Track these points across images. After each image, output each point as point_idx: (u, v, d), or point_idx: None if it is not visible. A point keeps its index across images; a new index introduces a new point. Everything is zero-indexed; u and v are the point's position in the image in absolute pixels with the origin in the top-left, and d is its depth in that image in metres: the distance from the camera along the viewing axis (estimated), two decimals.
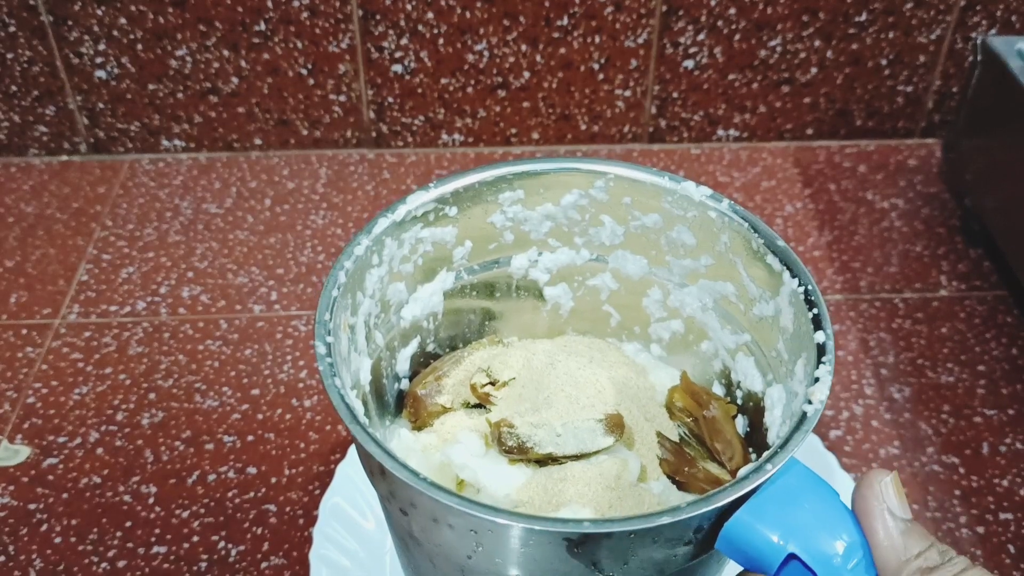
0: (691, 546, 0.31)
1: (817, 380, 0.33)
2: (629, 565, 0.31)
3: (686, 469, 0.39)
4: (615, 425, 0.38)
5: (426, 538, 0.33)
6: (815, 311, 0.35)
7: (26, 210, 0.70)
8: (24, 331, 0.61)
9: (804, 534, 0.30)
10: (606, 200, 0.41)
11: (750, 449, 0.40)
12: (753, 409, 0.40)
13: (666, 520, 0.29)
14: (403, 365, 0.43)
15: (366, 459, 0.33)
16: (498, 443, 0.38)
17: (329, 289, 0.36)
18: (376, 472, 0.32)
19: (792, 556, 0.30)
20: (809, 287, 0.36)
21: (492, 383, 0.41)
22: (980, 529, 0.50)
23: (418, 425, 0.42)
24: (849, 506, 0.31)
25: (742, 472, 0.31)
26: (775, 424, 0.37)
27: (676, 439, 0.40)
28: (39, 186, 0.72)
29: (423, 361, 0.44)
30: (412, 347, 0.43)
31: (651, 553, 0.31)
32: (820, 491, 0.31)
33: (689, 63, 0.71)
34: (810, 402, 0.32)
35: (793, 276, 0.37)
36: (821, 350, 0.34)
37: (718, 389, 0.43)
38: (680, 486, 0.39)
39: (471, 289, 0.43)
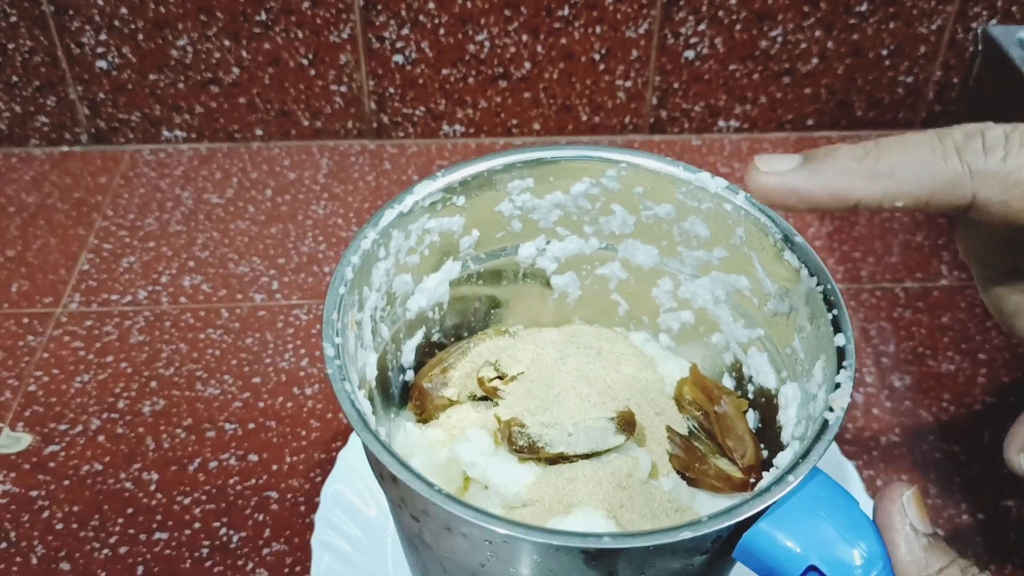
0: (708, 555, 0.31)
1: (838, 386, 0.32)
2: (645, 574, 0.31)
3: (696, 465, 0.38)
4: (627, 423, 0.37)
5: (438, 544, 0.32)
6: (835, 312, 0.34)
7: (27, 200, 0.70)
8: (25, 320, 0.61)
9: (824, 545, 0.29)
10: (618, 189, 0.41)
11: (762, 446, 0.39)
12: (765, 404, 0.40)
13: (686, 535, 0.28)
14: (408, 356, 0.42)
15: (376, 465, 0.33)
16: (508, 442, 0.37)
17: (336, 287, 0.35)
18: (387, 479, 0.32)
19: (811, 567, 0.29)
20: (828, 287, 0.35)
21: (500, 377, 0.40)
22: (981, 516, 0.50)
23: (424, 418, 0.41)
24: (870, 516, 0.31)
25: (763, 483, 0.30)
26: (790, 423, 0.36)
27: (685, 432, 0.40)
28: (40, 176, 0.72)
29: (428, 351, 0.43)
30: (417, 338, 0.42)
31: (668, 563, 0.30)
32: (840, 501, 0.31)
33: (690, 53, 0.71)
34: (831, 409, 0.32)
35: (812, 275, 0.36)
36: (841, 354, 0.33)
37: (728, 382, 0.43)
38: (691, 482, 0.39)
39: (477, 278, 0.43)
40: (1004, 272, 0.35)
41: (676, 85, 0.72)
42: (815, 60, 0.71)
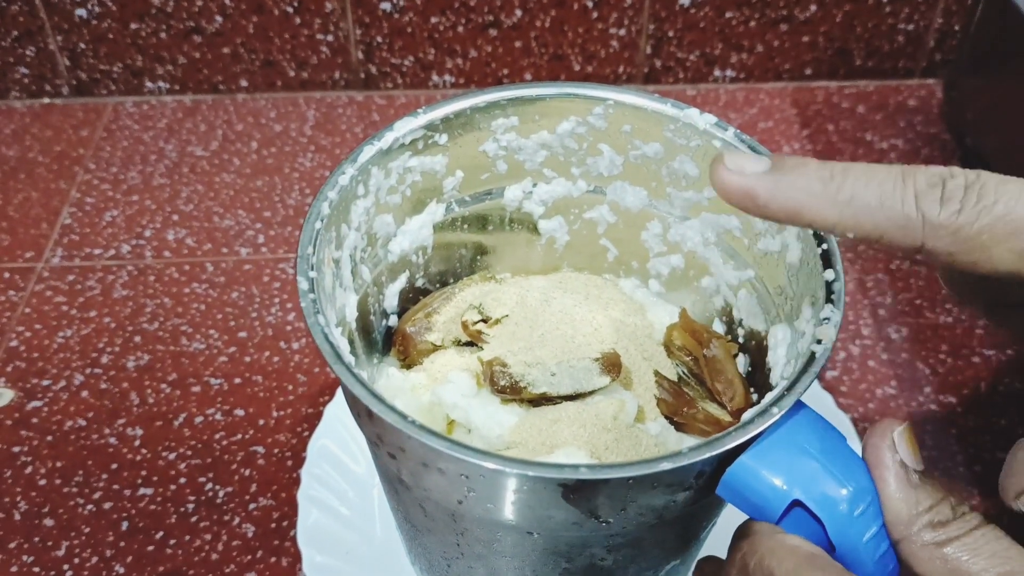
0: (691, 491, 0.30)
1: (826, 320, 0.31)
2: (627, 511, 0.30)
3: (685, 410, 0.38)
4: (612, 364, 0.37)
5: (415, 483, 0.32)
6: (825, 247, 0.33)
7: (7, 154, 0.68)
8: (6, 275, 0.60)
9: (809, 480, 0.29)
10: (605, 128, 0.39)
11: (751, 389, 0.39)
12: (755, 348, 0.39)
13: (666, 466, 0.27)
14: (391, 301, 0.41)
15: (352, 401, 0.32)
16: (490, 382, 0.36)
17: (312, 221, 0.34)
18: (363, 415, 0.31)
19: (796, 503, 0.29)
20: None
21: (484, 320, 0.40)
22: (977, 468, 0.50)
23: (407, 363, 0.41)
24: (859, 453, 0.30)
25: (747, 416, 0.29)
26: (779, 364, 0.36)
27: (675, 378, 0.39)
28: (21, 129, 0.70)
29: (412, 297, 0.42)
30: (400, 282, 0.42)
31: (650, 499, 0.30)
32: (827, 435, 0.30)
33: (685, 0, 0.69)
34: (819, 342, 0.31)
35: None
36: (830, 289, 0.32)
37: (719, 327, 0.42)
38: (678, 427, 0.38)
39: (462, 222, 0.42)
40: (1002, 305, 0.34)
41: (671, 33, 0.71)
42: (813, 7, 0.70)
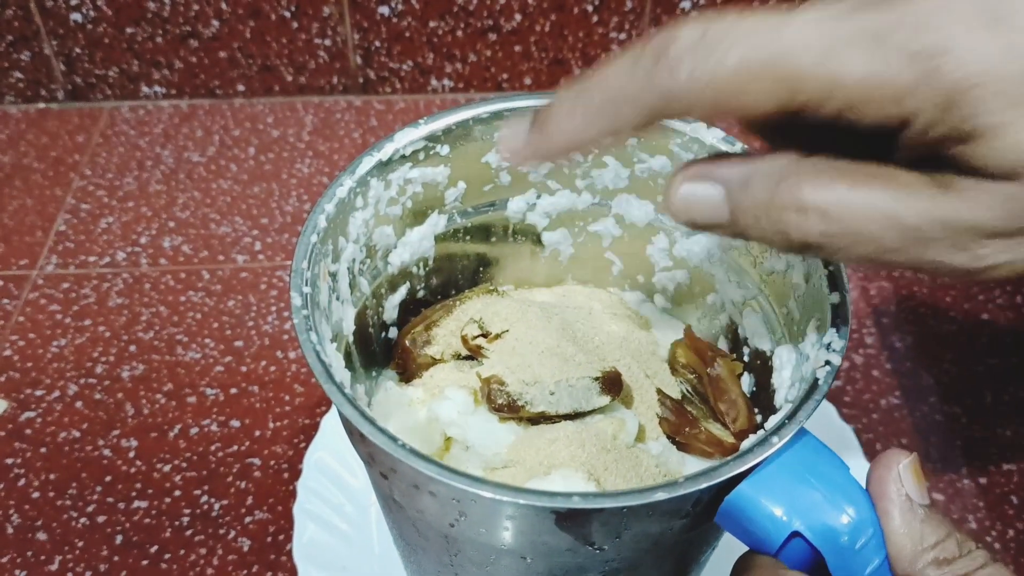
0: (688, 519, 0.29)
1: (830, 345, 0.31)
2: (622, 538, 0.29)
3: (687, 430, 0.37)
4: (612, 383, 0.36)
5: (408, 503, 0.31)
6: (830, 268, 0.33)
7: (2, 159, 0.68)
8: (0, 282, 0.59)
9: (810, 511, 0.28)
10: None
11: (756, 410, 0.38)
12: (760, 368, 0.38)
13: (661, 496, 0.27)
14: (391, 313, 0.41)
15: (344, 421, 0.32)
16: (488, 400, 0.36)
17: (307, 235, 0.33)
18: (355, 435, 0.31)
19: (796, 534, 0.28)
20: None
21: (484, 335, 0.39)
22: (983, 480, 0.49)
23: (406, 377, 0.40)
24: (863, 484, 0.29)
25: (746, 444, 0.29)
26: (783, 386, 0.35)
27: (678, 396, 0.39)
28: (16, 135, 0.70)
29: (413, 309, 0.42)
30: (401, 294, 0.41)
31: (645, 527, 0.29)
32: (829, 464, 0.29)
33: (686, 3, 0.68)
34: (826, 364, 0.30)
35: None
36: (836, 313, 0.32)
37: (723, 344, 0.41)
38: (680, 447, 0.37)
39: (464, 233, 0.41)
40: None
41: None
42: None
